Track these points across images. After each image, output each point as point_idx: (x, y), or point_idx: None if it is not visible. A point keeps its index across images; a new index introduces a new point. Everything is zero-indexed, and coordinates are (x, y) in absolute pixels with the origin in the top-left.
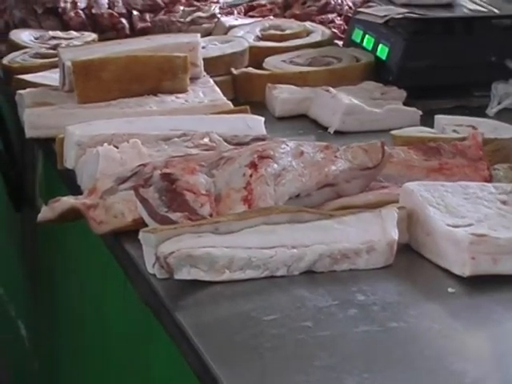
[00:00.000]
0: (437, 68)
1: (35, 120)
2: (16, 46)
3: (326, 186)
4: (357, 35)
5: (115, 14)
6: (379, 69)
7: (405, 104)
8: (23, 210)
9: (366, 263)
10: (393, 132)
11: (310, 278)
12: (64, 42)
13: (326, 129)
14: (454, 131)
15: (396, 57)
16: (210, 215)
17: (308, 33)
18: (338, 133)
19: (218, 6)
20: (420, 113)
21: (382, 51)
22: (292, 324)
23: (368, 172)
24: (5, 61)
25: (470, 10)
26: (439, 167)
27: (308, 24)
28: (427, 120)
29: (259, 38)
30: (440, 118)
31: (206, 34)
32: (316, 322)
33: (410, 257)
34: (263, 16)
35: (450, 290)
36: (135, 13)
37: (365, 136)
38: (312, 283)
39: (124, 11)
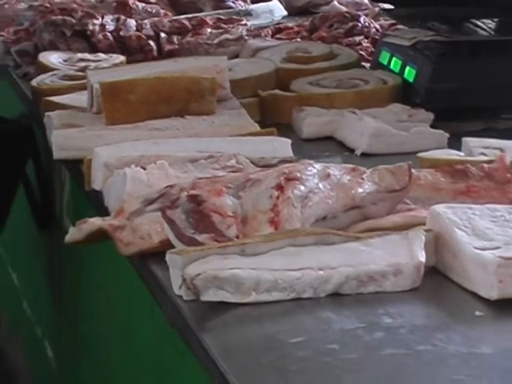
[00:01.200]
0: (464, 90)
1: (63, 141)
2: (45, 68)
3: (352, 209)
4: (384, 57)
5: (143, 36)
6: (406, 91)
7: (432, 126)
8: (50, 231)
9: (393, 286)
10: (420, 154)
11: (336, 301)
12: (92, 64)
13: (352, 151)
14: (482, 154)
15: (423, 79)
16: (237, 237)
17: (335, 55)
18: (364, 155)
19: (246, 28)
20: (447, 135)
21: (410, 73)
22: (318, 346)
23: (395, 194)
24: (34, 83)
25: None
26: (466, 190)
27: (335, 46)
28: (454, 142)
29: (286, 60)
30: (467, 141)
31: (234, 56)
32: (342, 344)
33: (437, 280)
34: (290, 38)
35: (477, 313)
36: (163, 35)
37: (392, 158)
38: (338, 305)
39: (152, 33)
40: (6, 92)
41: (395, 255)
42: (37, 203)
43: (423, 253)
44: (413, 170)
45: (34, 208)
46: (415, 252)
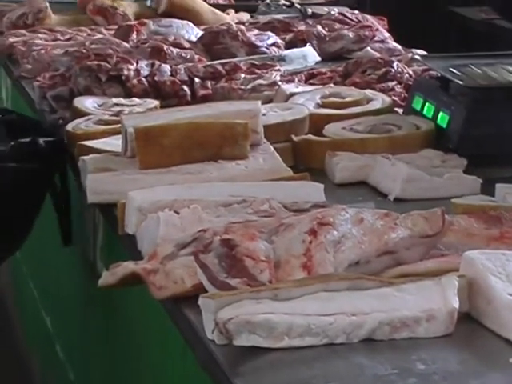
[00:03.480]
0: (497, 136)
1: (97, 185)
2: (80, 113)
3: (385, 254)
4: (417, 103)
5: (177, 81)
6: (439, 137)
7: (465, 172)
8: (71, 245)
9: (426, 331)
10: (453, 200)
11: (369, 346)
12: (127, 109)
13: (385, 196)
14: None
15: (457, 125)
16: (270, 281)
17: (368, 100)
18: (397, 200)
19: (279, 73)
20: (480, 181)
21: (443, 119)
22: None
23: (428, 240)
24: (69, 127)
25: None
26: (500, 236)
27: (368, 92)
28: (488, 188)
29: (319, 106)
30: (501, 187)
31: (267, 101)
32: None
33: (471, 326)
34: (324, 84)
35: (511, 360)
36: (197, 80)
37: (425, 204)
38: (371, 351)
39: (186, 78)
40: None
41: (428, 301)
42: (64, 216)
43: (456, 299)
44: (446, 216)
45: (61, 219)
46: (448, 298)
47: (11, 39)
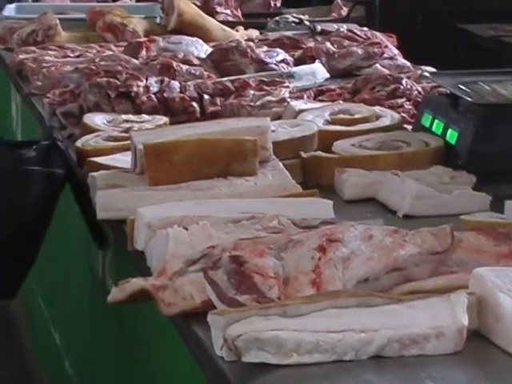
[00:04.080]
0: (506, 153)
1: (107, 202)
2: (89, 129)
3: (394, 270)
4: (426, 120)
5: (187, 97)
6: (448, 153)
7: (474, 189)
8: (106, 249)
9: (435, 349)
10: (462, 217)
11: (378, 363)
12: (136, 126)
13: (394, 213)
14: None
15: (466, 142)
16: (279, 298)
17: (377, 117)
18: (406, 217)
19: (288, 90)
20: (489, 198)
21: (452, 136)
22: None
23: (437, 257)
24: (78, 143)
25: None
26: (509, 253)
27: (377, 108)
28: (497, 205)
29: (328, 122)
30: (510, 204)
31: (276, 117)
32: None
33: (480, 343)
34: (333, 100)
35: None
36: (206, 97)
37: (434, 220)
38: (380, 368)
39: (195, 95)
40: None
41: (437, 318)
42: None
43: (466, 316)
44: (455, 233)
45: (90, 223)
46: (458, 315)
47: (21, 56)
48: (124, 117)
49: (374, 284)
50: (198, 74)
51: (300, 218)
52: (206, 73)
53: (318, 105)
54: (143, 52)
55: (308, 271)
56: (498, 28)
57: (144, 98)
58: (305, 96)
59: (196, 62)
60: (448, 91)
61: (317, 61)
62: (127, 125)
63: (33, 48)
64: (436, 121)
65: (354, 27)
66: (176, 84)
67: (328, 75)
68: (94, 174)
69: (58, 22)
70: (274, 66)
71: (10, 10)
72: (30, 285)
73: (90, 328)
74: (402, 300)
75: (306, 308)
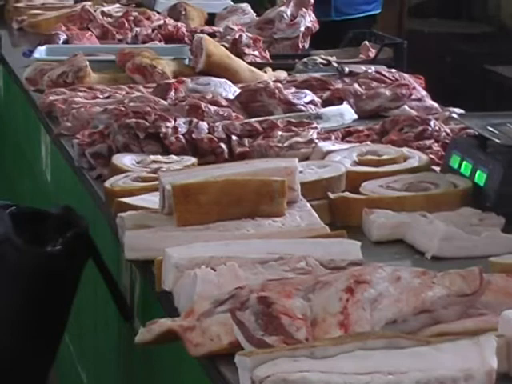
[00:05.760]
0: None
1: (135, 242)
2: (118, 170)
3: (422, 312)
4: (454, 161)
5: (215, 138)
6: (477, 195)
7: (503, 231)
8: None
9: None
10: (491, 259)
11: None
12: (164, 166)
13: (422, 254)
14: None
15: (494, 183)
16: (306, 339)
17: (405, 158)
18: (435, 258)
19: (316, 131)
20: None
21: (480, 177)
22: None
23: (466, 299)
24: (107, 184)
25: None
26: None
27: (405, 150)
28: None
29: (356, 163)
30: None
31: (304, 158)
32: None
33: None
34: (360, 141)
35: None
36: (234, 138)
37: (462, 262)
38: None
39: (223, 136)
40: (79, 193)
41: (466, 360)
42: (120, 293)
43: (495, 359)
44: (484, 275)
45: (117, 298)
46: (487, 358)
47: (51, 97)
48: (152, 157)
49: (402, 326)
50: (226, 114)
51: (328, 259)
52: (234, 114)
53: (345, 146)
54: (172, 93)
55: (336, 312)
56: None
57: (172, 138)
58: (332, 137)
59: (224, 103)
60: (476, 133)
61: (345, 102)
62: (156, 165)
63: (63, 89)
64: (464, 162)
65: (382, 69)
66: (204, 125)
67: (356, 116)
68: (123, 214)
69: (87, 63)
70: (302, 107)
71: (40, 51)
72: None
73: (117, 368)
74: (431, 342)
75: (334, 349)
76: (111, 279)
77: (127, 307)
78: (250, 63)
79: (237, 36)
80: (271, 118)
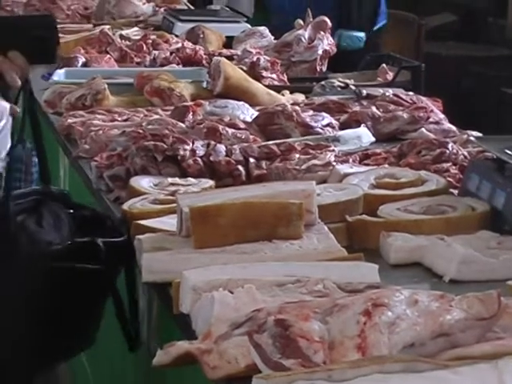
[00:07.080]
0: None
1: (153, 264)
2: (136, 192)
3: (440, 336)
4: (472, 184)
5: (232, 161)
6: (495, 218)
7: None
8: (137, 353)
9: None
10: (509, 282)
11: None
12: (182, 189)
13: (440, 277)
14: None
15: None
16: (324, 362)
17: (423, 181)
18: (453, 282)
19: (334, 154)
20: None
21: (499, 200)
22: None
23: (484, 322)
24: (125, 206)
25: None
26: None
27: (423, 173)
28: None
29: (374, 186)
30: None
31: (321, 181)
32: None
33: None
34: (378, 164)
35: None
36: (252, 160)
37: (480, 285)
38: None
39: (241, 158)
40: None
41: None
42: (127, 320)
43: None
44: (502, 298)
45: (124, 325)
46: (505, 381)
47: (70, 120)
48: (170, 180)
49: (420, 349)
50: (243, 137)
51: (345, 281)
52: (251, 136)
53: (363, 169)
54: (190, 116)
55: (353, 336)
56: None
57: (190, 161)
58: (350, 160)
59: (242, 125)
60: (494, 156)
61: (362, 125)
62: (173, 188)
63: (81, 112)
64: (482, 185)
65: (400, 92)
66: (222, 147)
67: (373, 139)
68: (141, 236)
69: (106, 86)
70: (320, 130)
71: (59, 74)
72: None
73: None
74: (449, 366)
75: (352, 373)
76: (121, 306)
77: (133, 337)
78: (268, 86)
79: (255, 59)
80: (289, 140)
